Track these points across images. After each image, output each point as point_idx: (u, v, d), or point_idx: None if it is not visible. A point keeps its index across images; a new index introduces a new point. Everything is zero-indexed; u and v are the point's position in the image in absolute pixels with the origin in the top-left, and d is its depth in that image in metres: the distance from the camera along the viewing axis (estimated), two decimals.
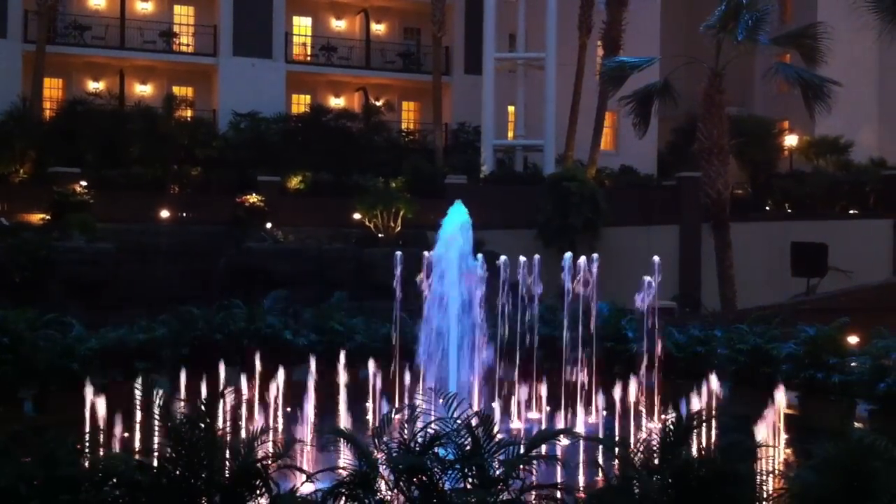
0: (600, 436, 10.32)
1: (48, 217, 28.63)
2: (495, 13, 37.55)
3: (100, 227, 26.72)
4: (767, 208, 37.58)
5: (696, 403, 11.62)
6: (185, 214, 31.58)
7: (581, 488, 7.34)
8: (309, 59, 42.33)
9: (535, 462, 7.29)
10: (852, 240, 32.98)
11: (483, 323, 13.14)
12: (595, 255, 15.03)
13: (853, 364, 15.08)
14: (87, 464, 7.28)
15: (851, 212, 36.52)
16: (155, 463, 7.20)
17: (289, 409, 13.79)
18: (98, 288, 24.09)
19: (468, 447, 7.28)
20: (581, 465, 9.57)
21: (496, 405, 13.25)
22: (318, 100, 41.41)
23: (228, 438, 7.48)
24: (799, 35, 28.38)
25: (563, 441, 7.97)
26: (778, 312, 18.47)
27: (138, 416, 9.52)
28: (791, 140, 41.64)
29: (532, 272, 15.13)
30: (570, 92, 36.69)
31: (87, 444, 7.75)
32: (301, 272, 25.18)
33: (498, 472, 7.11)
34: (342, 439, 7.54)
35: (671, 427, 7.64)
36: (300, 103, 41.48)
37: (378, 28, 43.28)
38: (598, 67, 35.51)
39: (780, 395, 11.61)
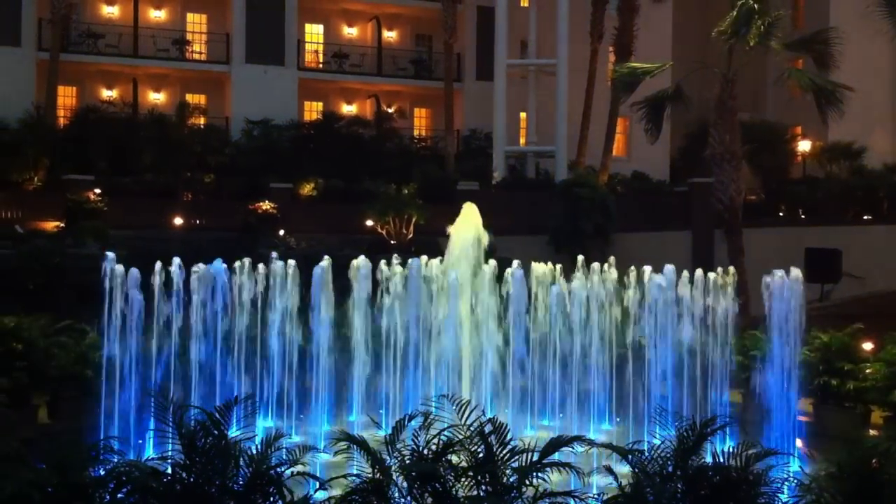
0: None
1: (62, 224, 28.73)
2: (507, 20, 37.55)
3: (112, 234, 26.79)
4: (780, 214, 37.45)
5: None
6: (197, 221, 31.65)
7: (595, 495, 7.32)
8: (321, 66, 42.40)
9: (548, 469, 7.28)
10: (866, 246, 32.83)
11: None
12: None
13: (867, 370, 15.02)
14: (101, 470, 7.30)
15: (865, 218, 36.36)
16: (169, 470, 7.21)
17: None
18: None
19: (481, 454, 7.27)
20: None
21: None
22: (330, 107, 41.48)
23: (242, 445, 7.48)
24: (811, 40, 28.29)
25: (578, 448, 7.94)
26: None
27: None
28: (804, 146, 41.49)
29: None
30: (581, 98, 36.65)
31: (101, 450, 7.76)
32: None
33: (511, 480, 7.10)
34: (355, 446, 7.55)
35: (686, 434, 7.63)
36: (312, 110, 41.54)
37: (390, 35, 43.35)
38: (610, 73, 35.47)
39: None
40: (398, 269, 15.48)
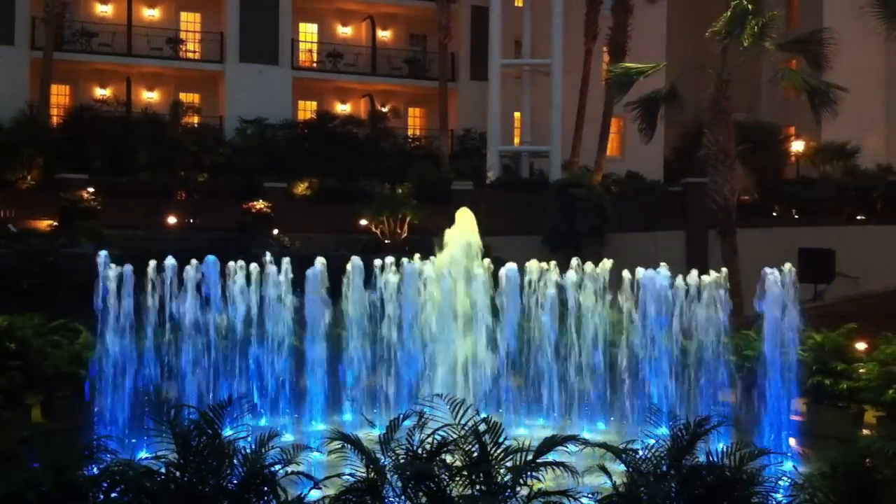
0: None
1: (56, 223, 28.67)
2: (501, 20, 37.57)
3: (107, 234, 26.76)
4: (774, 214, 37.52)
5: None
6: (192, 221, 31.61)
7: (589, 494, 7.33)
8: (315, 65, 42.38)
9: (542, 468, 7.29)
10: (859, 246, 32.90)
11: None
12: None
13: (861, 370, 15.04)
14: (95, 470, 7.29)
15: (858, 218, 36.45)
16: (163, 469, 7.20)
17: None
18: None
19: (476, 454, 7.28)
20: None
21: None
22: (325, 106, 41.46)
23: (236, 444, 7.48)
24: (805, 41, 28.33)
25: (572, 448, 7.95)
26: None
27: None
28: (798, 146, 41.59)
29: None
30: (576, 98, 36.68)
31: (95, 450, 7.76)
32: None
33: (506, 479, 7.10)
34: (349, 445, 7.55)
35: (680, 434, 7.64)
36: (306, 109, 41.52)
37: (384, 34, 43.34)
38: (604, 73, 35.53)
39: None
40: (393, 277, 15.52)
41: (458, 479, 7.11)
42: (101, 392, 13.36)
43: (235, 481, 7.10)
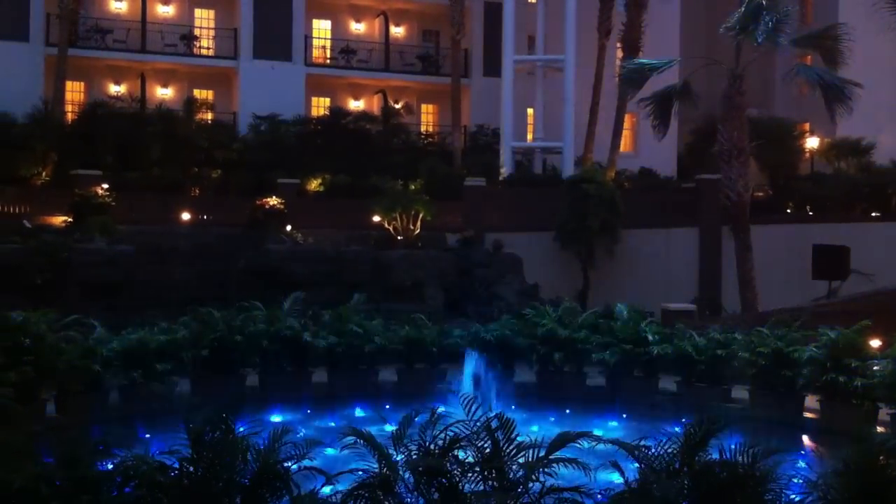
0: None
1: (69, 219, 28.76)
2: (514, 15, 37.50)
3: (119, 229, 26.84)
4: (788, 211, 37.38)
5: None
6: (204, 216, 31.66)
7: (601, 491, 7.33)
8: (328, 61, 42.41)
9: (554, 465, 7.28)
10: (874, 242, 32.76)
11: None
12: None
13: (875, 367, 14.97)
14: (109, 464, 7.32)
15: (873, 214, 36.28)
16: (176, 464, 7.23)
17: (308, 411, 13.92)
18: (118, 290, 24.15)
19: (488, 450, 7.28)
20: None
21: None
22: (338, 102, 41.48)
23: (249, 439, 7.50)
24: (820, 36, 28.21)
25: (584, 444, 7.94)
26: (799, 315, 18.36)
27: None
28: (812, 142, 41.40)
29: None
30: (589, 94, 36.60)
31: (109, 444, 7.78)
32: (318, 274, 25.14)
33: (518, 475, 7.11)
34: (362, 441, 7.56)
35: (692, 431, 7.63)
36: (319, 106, 41.55)
37: (397, 31, 43.33)
38: (618, 69, 35.44)
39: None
40: None
41: (470, 474, 7.12)
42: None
43: (248, 476, 7.12)
